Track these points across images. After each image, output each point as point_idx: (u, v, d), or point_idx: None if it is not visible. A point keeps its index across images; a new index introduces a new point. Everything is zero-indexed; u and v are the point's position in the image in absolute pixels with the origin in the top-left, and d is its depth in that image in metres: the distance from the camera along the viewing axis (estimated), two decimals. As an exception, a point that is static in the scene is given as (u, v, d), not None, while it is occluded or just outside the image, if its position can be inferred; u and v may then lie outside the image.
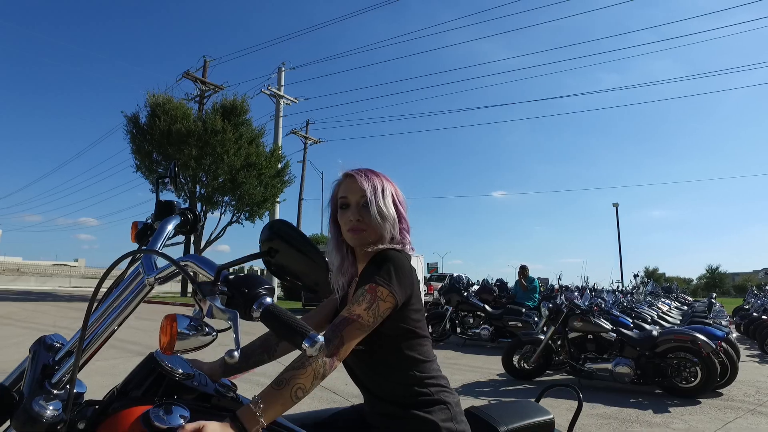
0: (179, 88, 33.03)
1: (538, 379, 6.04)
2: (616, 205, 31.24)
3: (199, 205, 22.44)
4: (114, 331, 0.94)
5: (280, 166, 25.23)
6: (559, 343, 5.96)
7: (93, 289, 0.88)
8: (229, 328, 0.79)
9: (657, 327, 6.68)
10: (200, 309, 0.82)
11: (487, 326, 8.89)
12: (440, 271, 31.76)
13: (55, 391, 0.86)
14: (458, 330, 9.42)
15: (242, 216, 23.33)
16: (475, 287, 10.72)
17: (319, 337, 0.79)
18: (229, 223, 23.48)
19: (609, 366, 5.49)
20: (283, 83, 29.00)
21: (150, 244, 1.10)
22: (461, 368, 6.81)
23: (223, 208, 23.35)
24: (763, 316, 10.26)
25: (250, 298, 0.82)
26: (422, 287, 19.76)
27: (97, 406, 0.95)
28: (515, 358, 6.06)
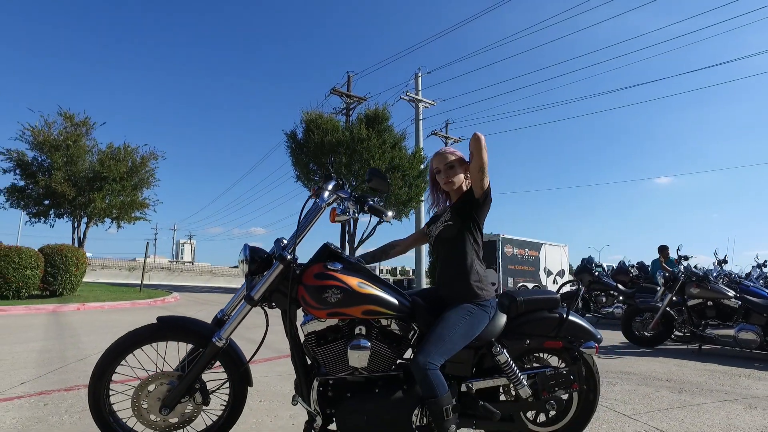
0: (328, 103, 36.77)
1: (663, 347, 6.29)
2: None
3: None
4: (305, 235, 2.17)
5: (422, 166, 26.92)
6: (678, 310, 6.14)
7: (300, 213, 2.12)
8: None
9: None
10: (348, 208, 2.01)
11: (620, 305, 9.02)
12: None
13: (291, 253, 2.10)
14: (591, 308, 9.66)
15: (390, 216, 25.39)
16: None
17: None
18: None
19: (732, 332, 5.57)
20: (420, 88, 30.61)
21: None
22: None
23: (373, 210, 25.71)
24: None
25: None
26: (567, 277, 19.48)
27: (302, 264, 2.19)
28: (635, 326, 6.38)
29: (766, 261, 7.51)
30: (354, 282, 2.05)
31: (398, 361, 2.18)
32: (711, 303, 5.87)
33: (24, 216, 18.30)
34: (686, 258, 6.21)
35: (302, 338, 2.13)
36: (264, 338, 2.21)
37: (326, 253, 2.17)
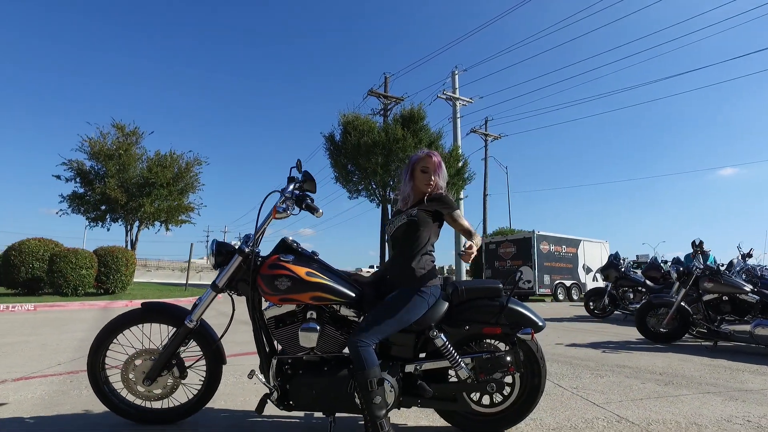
0: (365, 105, 37.22)
1: (676, 343, 6.18)
2: None
3: (389, 206, 25.45)
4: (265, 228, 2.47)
5: (459, 164, 26.86)
6: (695, 306, 6.01)
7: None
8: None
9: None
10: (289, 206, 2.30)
11: (647, 301, 8.81)
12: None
13: (250, 246, 2.41)
14: (619, 305, 9.48)
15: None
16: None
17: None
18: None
19: (748, 327, 5.42)
20: (457, 86, 30.52)
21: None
22: (597, 334, 7.20)
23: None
24: None
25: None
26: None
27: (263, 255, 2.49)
28: (650, 322, 6.30)
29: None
30: (302, 271, 2.33)
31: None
32: (726, 298, 5.73)
33: (84, 221, 19.83)
34: (703, 250, 6.07)
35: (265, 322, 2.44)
36: (231, 320, 2.54)
37: (283, 246, 2.47)
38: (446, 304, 2.47)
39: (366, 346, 2.19)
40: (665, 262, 10.64)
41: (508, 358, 2.39)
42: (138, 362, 2.47)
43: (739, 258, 6.51)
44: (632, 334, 7.13)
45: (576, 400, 3.23)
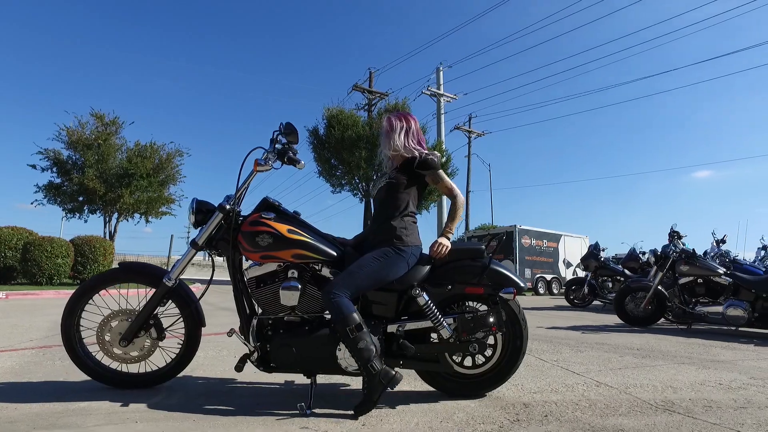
0: (350, 99, 37.04)
1: (654, 326, 6.30)
2: None
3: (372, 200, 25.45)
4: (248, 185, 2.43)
5: (443, 161, 26.91)
6: (671, 291, 6.14)
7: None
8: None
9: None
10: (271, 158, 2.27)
11: (625, 290, 8.96)
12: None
13: (232, 204, 2.37)
14: (598, 294, 9.63)
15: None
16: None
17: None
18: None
19: (720, 309, 5.55)
20: (442, 82, 30.58)
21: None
22: (576, 320, 7.32)
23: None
24: None
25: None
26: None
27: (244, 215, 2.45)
28: (628, 306, 6.41)
29: (772, 242, 7.36)
30: (284, 228, 2.30)
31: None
32: (701, 281, 5.86)
33: (61, 212, 19.35)
34: (680, 236, 6.19)
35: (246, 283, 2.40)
36: (211, 279, 2.50)
37: (265, 204, 2.43)
38: (429, 265, 2.47)
39: (338, 296, 2.17)
40: (643, 253, 10.82)
41: (491, 318, 2.40)
42: (114, 323, 2.42)
43: (714, 244, 6.67)
44: (611, 319, 7.25)
45: (556, 370, 3.27)
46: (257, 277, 2.37)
